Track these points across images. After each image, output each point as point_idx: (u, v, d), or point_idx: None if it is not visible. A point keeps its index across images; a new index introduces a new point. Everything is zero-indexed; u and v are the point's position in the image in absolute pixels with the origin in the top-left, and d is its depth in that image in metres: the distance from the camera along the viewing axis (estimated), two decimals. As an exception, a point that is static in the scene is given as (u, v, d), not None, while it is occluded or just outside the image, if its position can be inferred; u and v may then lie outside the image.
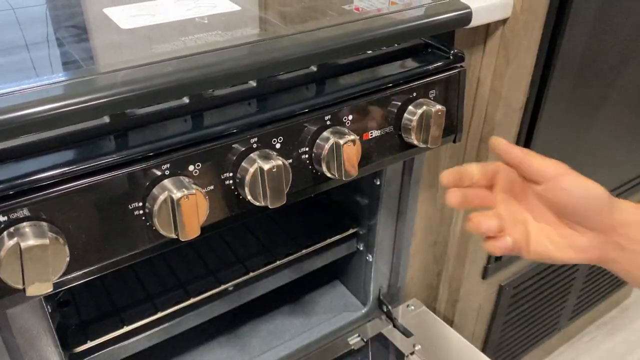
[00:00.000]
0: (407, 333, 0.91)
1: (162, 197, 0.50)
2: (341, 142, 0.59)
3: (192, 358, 0.88)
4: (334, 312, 0.96)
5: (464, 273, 1.02)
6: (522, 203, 0.58)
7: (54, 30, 0.64)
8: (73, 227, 0.49)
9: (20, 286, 0.46)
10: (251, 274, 0.83)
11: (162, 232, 0.52)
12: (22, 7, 0.72)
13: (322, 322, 0.94)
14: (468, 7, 0.69)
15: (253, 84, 0.59)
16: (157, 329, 0.75)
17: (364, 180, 0.84)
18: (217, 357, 0.88)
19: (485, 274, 1.07)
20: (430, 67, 0.68)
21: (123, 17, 0.65)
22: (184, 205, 0.50)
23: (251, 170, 0.55)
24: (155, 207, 0.51)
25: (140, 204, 0.52)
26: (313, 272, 0.91)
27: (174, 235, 0.52)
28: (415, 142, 0.67)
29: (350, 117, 0.63)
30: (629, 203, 0.54)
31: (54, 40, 0.61)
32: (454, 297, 1.07)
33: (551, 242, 0.55)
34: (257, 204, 0.57)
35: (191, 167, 0.53)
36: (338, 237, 0.91)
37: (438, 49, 0.71)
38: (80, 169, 0.48)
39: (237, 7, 0.69)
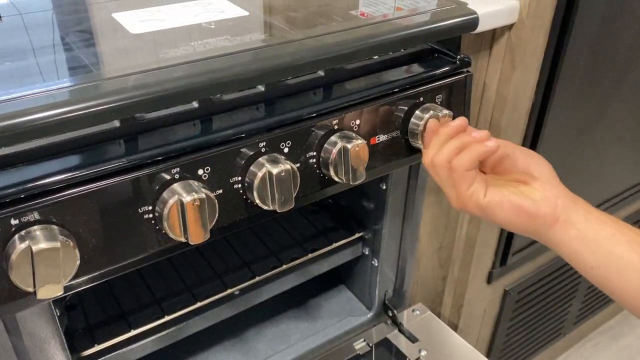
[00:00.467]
0: (412, 338, 0.91)
1: (171, 201, 0.51)
2: (349, 146, 0.60)
3: (197, 362, 0.88)
4: (339, 316, 0.96)
5: (469, 278, 1.03)
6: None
7: (63, 35, 0.64)
8: (83, 230, 0.49)
9: (31, 289, 0.46)
10: (257, 278, 0.83)
11: (171, 235, 0.52)
12: (30, 12, 0.72)
13: (327, 326, 0.94)
14: (474, 13, 0.69)
15: (261, 88, 0.59)
16: (163, 332, 0.75)
17: (370, 184, 0.84)
18: (222, 361, 0.89)
19: (490, 279, 1.07)
20: (436, 72, 0.69)
21: (132, 22, 0.65)
22: (193, 209, 0.51)
23: (260, 174, 0.55)
24: (165, 211, 0.51)
25: (150, 207, 0.52)
26: (318, 277, 0.91)
27: (183, 239, 0.52)
28: (422, 147, 0.67)
29: (358, 121, 0.63)
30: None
31: (64, 45, 0.61)
32: (459, 302, 1.07)
33: (507, 189, 0.58)
34: (266, 207, 0.57)
35: (200, 171, 0.54)
36: (344, 241, 0.91)
37: (444, 54, 0.71)
38: (91, 172, 0.49)
39: (245, 13, 0.70)
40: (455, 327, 1.10)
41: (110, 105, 0.48)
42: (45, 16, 0.71)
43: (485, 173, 0.62)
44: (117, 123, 0.52)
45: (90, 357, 0.70)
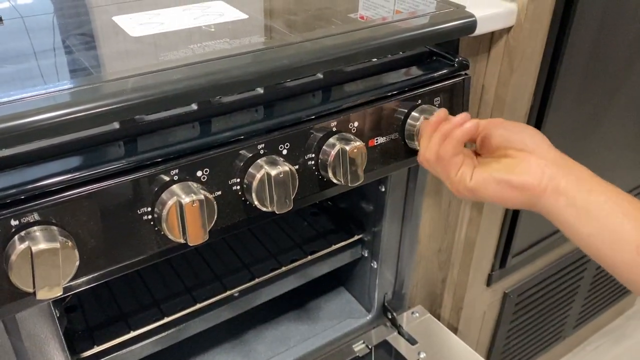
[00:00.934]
0: (412, 340, 0.92)
1: (170, 202, 0.51)
2: (347, 148, 0.60)
3: (197, 364, 0.89)
4: (338, 318, 0.96)
5: (469, 280, 1.03)
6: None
7: (64, 38, 0.65)
8: (83, 231, 0.50)
9: (30, 290, 0.47)
10: (257, 280, 0.83)
11: (170, 236, 0.52)
12: (31, 15, 0.73)
13: (326, 328, 0.94)
14: (472, 16, 0.70)
15: (260, 90, 0.60)
16: (163, 334, 0.75)
17: (369, 186, 0.84)
18: (222, 363, 0.89)
19: (489, 281, 1.07)
20: (435, 74, 0.69)
21: (132, 25, 0.66)
22: (192, 210, 0.51)
23: (258, 176, 0.56)
24: (164, 212, 0.51)
25: (149, 209, 0.52)
26: (318, 279, 0.92)
27: (182, 240, 0.53)
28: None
29: (356, 123, 0.63)
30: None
31: (65, 48, 0.62)
32: (458, 304, 1.07)
33: (492, 166, 0.58)
34: (264, 209, 0.57)
35: (199, 173, 0.54)
36: (343, 243, 0.91)
37: (443, 56, 0.72)
38: (90, 174, 0.49)
39: (244, 16, 0.70)
40: (454, 330, 1.10)
41: (110, 107, 0.48)
42: (47, 19, 0.72)
43: (481, 155, 0.62)
44: (116, 125, 0.52)
45: (90, 358, 0.70)
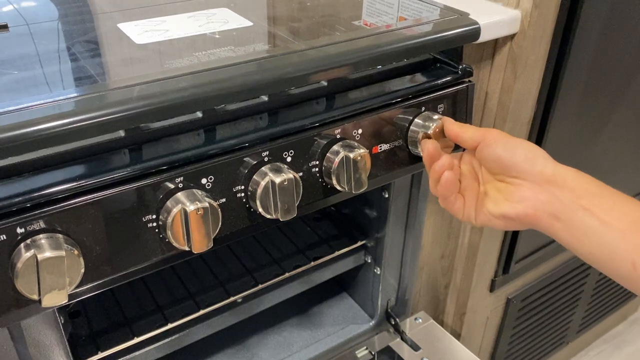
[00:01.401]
0: (415, 346, 0.92)
1: (175, 210, 0.51)
2: (351, 155, 0.60)
3: (200, 370, 0.89)
4: (341, 324, 0.96)
5: (472, 286, 1.03)
6: (475, 176, 0.62)
7: (69, 45, 0.65)
8: (88, 239, 0.50)
9: (36, 297, 0.47)
10: (260, 286, 0.83)
11: (175, 244, 0.53)
12: (36, 22, 0.73)
13: (329, 334, 0.94)
14: (476, 23, 0.70)
15: (265, 98, 0.60)
16: (167, 340, 0.75)
17: (372, 193, 0.84)
18: (225, 369, 0.89)
19: (492, 287, 1.07)
20: (438, 81, 0.69)
21: (137, 33, 0.66)
22: (197, 217, 0.51)
23: (263, 183, 0.56)
24: (169, 220, 0.51)
25: (154, 216, 0.52)
26: (321, 285, 0.92)
27: (186, 247, 0.53)
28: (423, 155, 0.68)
29: (360, 131, 0.64)
30: (562, 165, 0.56)
31: (70, 55, 0.62)
32: (461, 310, 1.07)
33: (490, 199, 0.59)
34: (268, 216, 0.57)
35: (204, 180, 0.54)
36: (346, 249, 0.91)
37: (446, 63, 0.72)
38: (96, 182, 0.49)
39: (248, 23, 0.70)
40: (457, 336, 1.10)
41: (116, 116, 0.48)
42: (52, 26, 0.72)
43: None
44: (122, 133, 0.52)
45: (94, 364, 0.70)
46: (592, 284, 1.32)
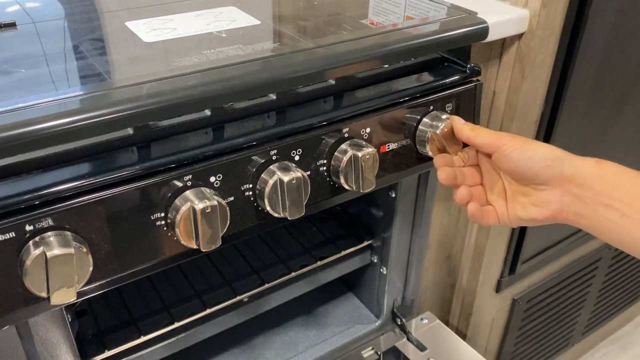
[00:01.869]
0: (421, 347, 0.91)
1: (184, 208, 0.51)
2: (359, 154, 0.60)
3: (206, 369, 0.89)
4: (347, 324, 0.96)
5: (478, 286, 1.02)
6: (498, 174, 0.63)
7: (78, 44, 0.65)
8: (96, 236, 0.50)
9: (44, 295, 0.47)
10: (266, 285, 0.83)
11: (183, 242, 0.52)
12: (43, 20, 0.73)
13: (335, 334, 0.94)
14: (485, 22, 0.70)
15: (273, 96, 0.60)
16: (173, 339, 0.75)
17: (379, 192, 0.84)
18: (230, 369, 0.89)
19: (498, 288, 1.07)
20: (447, 80, 0.69)
21: (145, 31, 0.66)
22: (205, 215, 0.51)
23: (271, 181, 0.56)
24: (178, 218, 0.51)
25: (163, 214, 0.52)
26: (326, 284, 0.92)
27: (194, 246, 0.53)
28: (432, 155, 0.67)
29: (368, 130, 0.63)
30: (581, 158, 0.57)
31: (78, 54, 0.62)
32: (467, 311, 1.07)
33: (518, 203, 0.61)
34: (276, 215, 0.57)
35: (212, 179, 0.54)
36: (352, 249, 0.91)
37: (454, 62, 0.72)
38: (104, 180, 0.49)
39: (256, 22, 0.70)
40: (463, 336, 1.09)
41: (125, 113, 0.48)
42: (59, 24, 0.72)
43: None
44: (130, 131, 0.52)
45: (101, 363, 0.70)
46: (598, 285, 1.32)
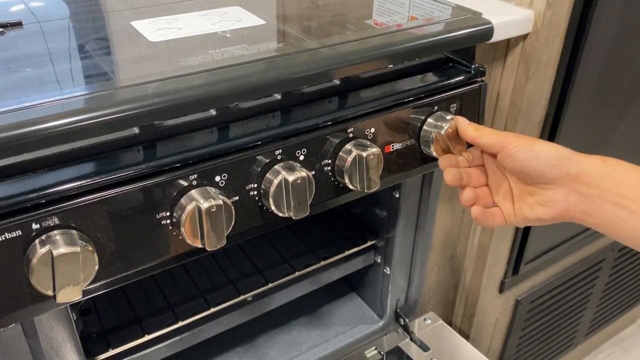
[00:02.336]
0: (424, 347, 0.91)
1: (189, 207, 0.51)
2: (364, 154, 0.60)
3: (209, 368, 0.89)
4: (350, 324, 0.96)
5: (481, 287, 1.02)
6: (503, 175, 0.63)
7: (83, 43, 0.65)
8: (102, 235, 0.50)
9: (50, 293, 0.47)
10: (270, 285, 0.83)
11: (188, 241, 0.53)
12: (48, 20, 0.73)
13: (338, 334, 0.94)
14: (489, 23, 0.70)
15: (278, 96, 0.60)
16: (177, 338, 0.76)
17: (382, 192, 0.84)
18: (234, 368, 0.89)
19: (502, 288, 1.07)
20: (451, 81, 0.69)
21: (150, 30, 0.66)
22: (210, 214, 0.51)
23: (275, 181, 0.56)
24: (183, 217, 0.51)
25: (168, 213, 0.52)
26: (330, 284, 0.92)
27: (200, 245, 0.53)
28: (436, 155, 0.67)
29: (373, 130, 0.63)
30: (586, 157, 0.57)
31: (84, 53, 0.62)
32: (470, 311, 1.07)
33: (525, 203, 0.60)
34: (281, 214, 0.57)
35: (218, 178, 0.54)
36: (356, 249, 0.91)
37: (459, 63, 0.72)
38: (110, 178, 0.49)
39: (261, 22, 0.70)
40: (466, 337, 1.09)
41: (131, 112, 0.48)
42: (65, 24, 0.72)
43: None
44: (136, 130, 0.53)
45: (105, 361, 0.71)
46: (601, 286, 1.32)
